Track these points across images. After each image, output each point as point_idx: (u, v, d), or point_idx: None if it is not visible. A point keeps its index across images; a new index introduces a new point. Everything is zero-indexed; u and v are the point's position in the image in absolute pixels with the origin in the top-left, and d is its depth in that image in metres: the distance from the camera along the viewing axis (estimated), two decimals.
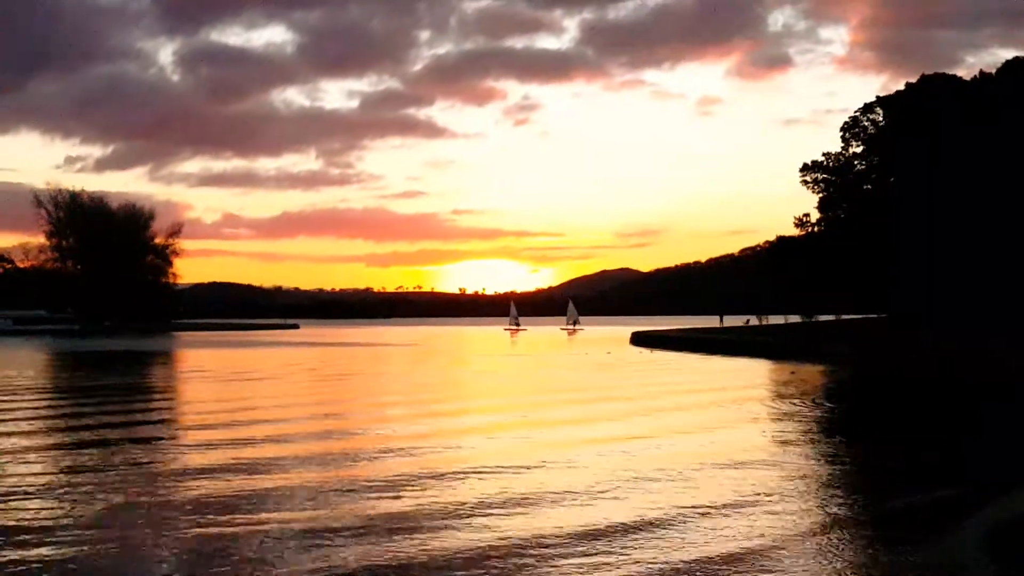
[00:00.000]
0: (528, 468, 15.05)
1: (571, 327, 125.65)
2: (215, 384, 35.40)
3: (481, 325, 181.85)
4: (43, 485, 13.74)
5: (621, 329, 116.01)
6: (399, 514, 11.66)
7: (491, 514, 11.63)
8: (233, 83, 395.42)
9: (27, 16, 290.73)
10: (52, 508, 12.12)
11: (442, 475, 14.43)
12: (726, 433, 19.74)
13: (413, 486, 13.49)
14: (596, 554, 9.77)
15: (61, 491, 13.27)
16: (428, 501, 12.44)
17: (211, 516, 11.55)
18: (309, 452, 16.95)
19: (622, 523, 11.12)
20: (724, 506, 12.03)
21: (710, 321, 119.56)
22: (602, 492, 13.02)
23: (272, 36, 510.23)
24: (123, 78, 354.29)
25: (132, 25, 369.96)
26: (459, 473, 14.57)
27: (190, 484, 13.72)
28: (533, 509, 11.94)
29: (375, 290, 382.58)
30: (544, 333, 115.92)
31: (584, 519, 11.35)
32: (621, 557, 9.66)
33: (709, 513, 11.65)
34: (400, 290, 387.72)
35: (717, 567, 9.32)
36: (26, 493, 13.10)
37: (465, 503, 12.27)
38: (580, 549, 9.97)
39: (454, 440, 18.82)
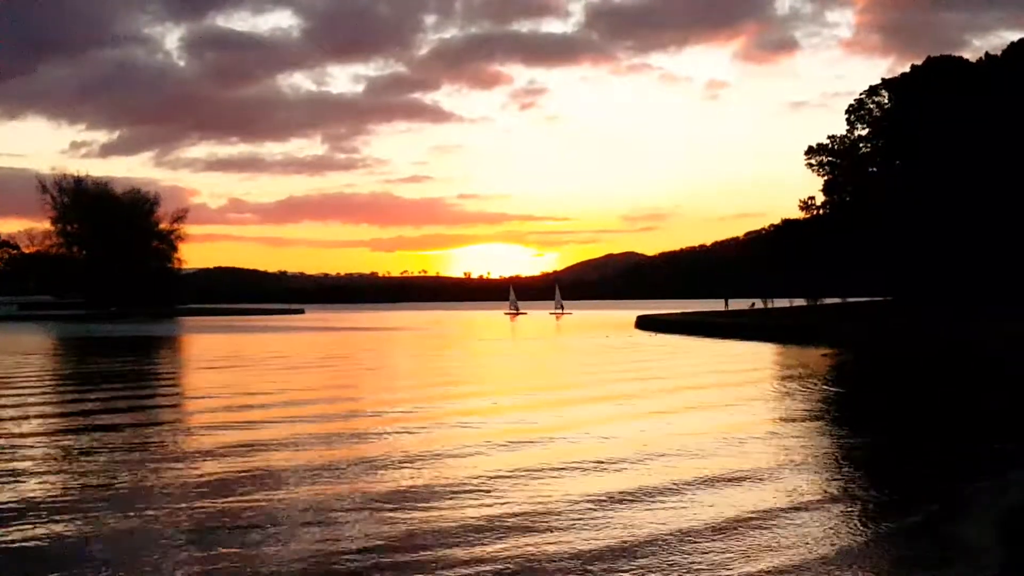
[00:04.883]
0: (557, 440, 15.98)
1: (558, 311, 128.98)
2: (249, 371, 35.81)
3: (484, 309, 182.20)
4: (61, 466, 14.25)
5: (623, 313, 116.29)
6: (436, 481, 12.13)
7: (539, 477, 12.14)
8: (239, 68, 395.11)
9: (34, 1, 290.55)
10: (69, 487, 12.56)
11: (500, 445, 15.17)
12: (752, 411, 20.17)
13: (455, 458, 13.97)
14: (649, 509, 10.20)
15: (78, 471, 13.70)
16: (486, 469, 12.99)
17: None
18: (371, 429, 17.47)
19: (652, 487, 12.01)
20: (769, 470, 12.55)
21: (715, 305, 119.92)
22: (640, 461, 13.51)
23: (278, 21, 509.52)
24: (130, 63, 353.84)
25: (139, 10, 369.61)
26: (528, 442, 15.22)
27: (217, 463, 14.16)
28: (558, 477, 12.43)
29: (380, 275, 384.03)
30: (539, 318, 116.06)
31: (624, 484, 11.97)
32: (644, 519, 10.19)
33: (774, 475, 12.11)
34: (405, 275, 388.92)
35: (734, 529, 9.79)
36: (47, 472, 13.64)
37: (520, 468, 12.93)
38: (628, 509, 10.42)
39: (506, 417, 19.60)
